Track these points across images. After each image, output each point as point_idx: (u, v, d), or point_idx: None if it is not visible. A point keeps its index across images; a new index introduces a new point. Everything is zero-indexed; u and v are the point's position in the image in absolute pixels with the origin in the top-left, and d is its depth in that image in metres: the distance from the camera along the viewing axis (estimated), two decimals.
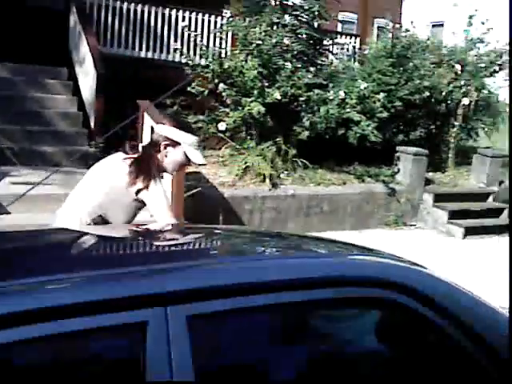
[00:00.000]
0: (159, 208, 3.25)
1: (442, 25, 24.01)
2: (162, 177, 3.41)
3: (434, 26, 23.78)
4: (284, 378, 1.94)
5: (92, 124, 9.24)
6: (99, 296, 1.64)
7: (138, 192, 3.22)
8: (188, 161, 3.40)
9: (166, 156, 3.35)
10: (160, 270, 1.87)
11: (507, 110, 12.68)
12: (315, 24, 11.12)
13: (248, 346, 1.92)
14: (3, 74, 9.73)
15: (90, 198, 3.31)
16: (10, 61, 9.71)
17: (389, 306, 2.03)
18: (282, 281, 1.89)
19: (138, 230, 2.90)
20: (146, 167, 3.26)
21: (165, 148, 3.34)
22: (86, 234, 2.68)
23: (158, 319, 1.63)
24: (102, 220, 3.27)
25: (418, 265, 2.32)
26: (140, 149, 3.41)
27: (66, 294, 1.64)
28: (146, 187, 3.21)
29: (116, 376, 1.67)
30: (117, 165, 3.32)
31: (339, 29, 21.54)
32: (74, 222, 3.25)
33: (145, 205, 3.29)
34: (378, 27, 20.66)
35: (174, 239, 2.76)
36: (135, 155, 3.34)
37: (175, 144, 3.34)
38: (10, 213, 6.96)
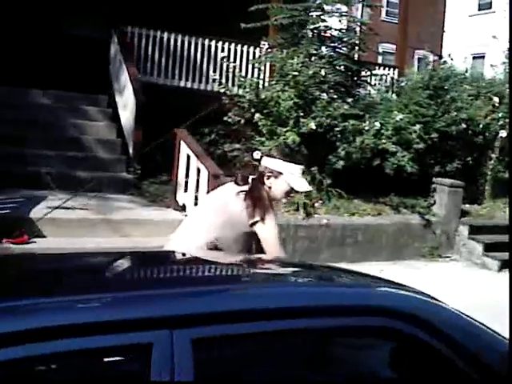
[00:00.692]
0: (272, 241, 3.44)
1: (483, 57, 23.90)
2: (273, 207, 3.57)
3: (474, 57, 23.73)
4: None
5: (130, 151, 9.40)
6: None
7: (253, 224, 3.38)
8: (292, 188, 3.58)
9: (270, 187, 3.53)
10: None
11: None
12: (354, 55, 11.23)
13: (251, 370, 1.97)
14: (45, 101, 10.02)
15: (208, 225, 3.46)
16: (52, 88, 9.97)
17: (394, 337, 2.05)
18: (280, 308, 1.93)
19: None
20: (260, 199, 3.45)
21: (268, 178, 3.53)
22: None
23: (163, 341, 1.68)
24: (215, 248, 3.40)
25: (429, 296, 2.32)
26: (250, 180, 3.58)
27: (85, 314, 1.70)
28: (262, 220, 3.38)
29: None
30: (234, 196, 3.49)
31: (380, 60, 21.66)
32: (192, 247, 3.39)
33: (256, 236, 3.43)
34: (419, 59, 20.68)
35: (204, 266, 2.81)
36: (246, 186, 3.52)
37: (278, 174, 3.53)
38: (45, 236, 7.11)
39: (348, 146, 9.72)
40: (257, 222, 3.36)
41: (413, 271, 9.47)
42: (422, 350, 2.03)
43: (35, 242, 6.85)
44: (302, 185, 3.61)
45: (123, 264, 2.60)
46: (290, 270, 2.76)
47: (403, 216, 10.34)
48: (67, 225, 7.28)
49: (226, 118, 9.61)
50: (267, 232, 3.39)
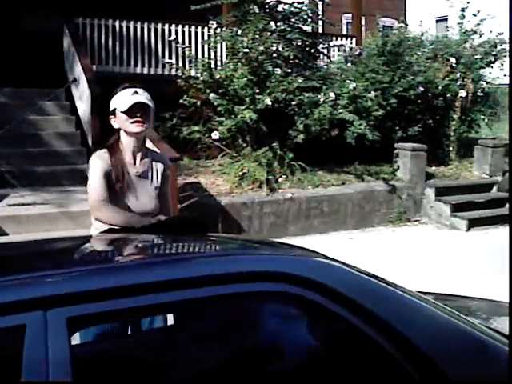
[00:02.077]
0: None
1: (447, 19, 23.96)
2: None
3: (438, 21, 23.77)
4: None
5: (90, 142, 9.40)
6: None
7: None
8: (127, 115, 3.34)
9: (118, 129, 3.44)
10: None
11: (506, 99, 12.65)
12: (316, 29, 11.24)
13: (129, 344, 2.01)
14: (1, 99, 9.95)
15: None
16: (6, 85, 9.93)
17: (291, 301, 2.05)
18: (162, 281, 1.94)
19: None
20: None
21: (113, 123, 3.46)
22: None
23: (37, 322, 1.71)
24: None
25: (328, 258, 2.31)
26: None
27: None
28: None
29: None
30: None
31: (345, 31, 21.65)
32: None
33: None
34: (384, 27, 20.65)
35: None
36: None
37: (114, 114, 3.42)
38: (7, 234, 7.13)
39: (305, 119, 9.75)
40: None
41: (382, 237, 9.58)
42: (320, 314, 2.03)
43: None
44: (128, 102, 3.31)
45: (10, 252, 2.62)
46: (171, 241, 2.74)
47: (368, 184, 10.41)
48: (29, 221, 7.30)
49: (181, 101, 9.60)
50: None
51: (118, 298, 1.83)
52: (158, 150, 7.76)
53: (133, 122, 3.30)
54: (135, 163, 3.40)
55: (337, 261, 2.24)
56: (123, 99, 3.29)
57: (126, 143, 3.39)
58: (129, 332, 2.16)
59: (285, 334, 2.30)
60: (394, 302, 2.10)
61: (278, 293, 1.99)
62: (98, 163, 3.30)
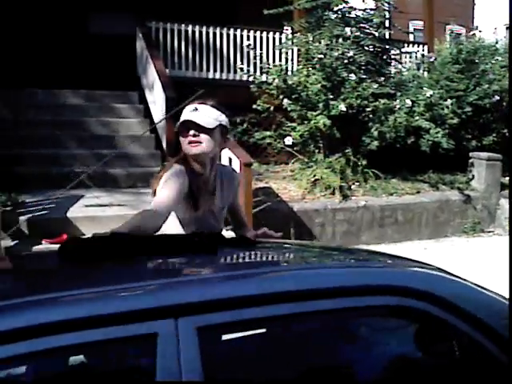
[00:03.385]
0: None
1: None
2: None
3: (507, 28, 23.26)
4: None
5: (164, 146, 9.44)
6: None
7: None
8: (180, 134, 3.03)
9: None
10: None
11: None
12: (384, 35, 11.12)
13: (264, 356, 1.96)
14: (77, 101, 10.13)
15: None
16: (82, 88, 10.08)
17: (410, 315, 2.03)
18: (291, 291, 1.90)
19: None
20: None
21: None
22: None
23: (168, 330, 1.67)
24: None
25: (445, 272, 2.27)
26: None
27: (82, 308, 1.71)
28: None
29: None
30: None
31: (412, 38, 21.36)
32: None
33: None
34: (451, 33, 20.33)
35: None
36: None
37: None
38: (84, 234, 7.18)
39: (380, 126, 9.64)
40: None
41: (456, 248, 9.37)
42: (438, 327, 2.02)
43: None
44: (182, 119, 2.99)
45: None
46: (302, 253, 2.72)
47: (442, 193, 10.24)
48: (105, 222, 7.34)
49: (255, 106, 9.57)
50: None
51: (248, 308, 1.79)
52: (233, 156, 7.82)
53: (189, 143, 2.95)
54: (206, 183, 3.11)
55: (451, 274, 2.23)
56: (182, 115, 2.98)
57: (191, 163, 3.05)
58: (258, 342, 2.10)
59: (406, 349, 2.26)
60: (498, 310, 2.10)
61: (397, 307, 1.97)
62: (178, 182, 2.93)
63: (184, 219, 3.05)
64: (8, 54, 10.02)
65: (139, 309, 1.69)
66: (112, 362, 1.76)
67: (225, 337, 1.97)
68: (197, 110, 2.95)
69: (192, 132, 2.92)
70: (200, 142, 2.93)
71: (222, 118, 3.02)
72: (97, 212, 7.42)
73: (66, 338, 1.59)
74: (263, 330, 2.02)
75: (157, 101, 9.61)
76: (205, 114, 2.93)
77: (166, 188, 2.89)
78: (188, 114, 2.96)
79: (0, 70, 8.95)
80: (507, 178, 11.12)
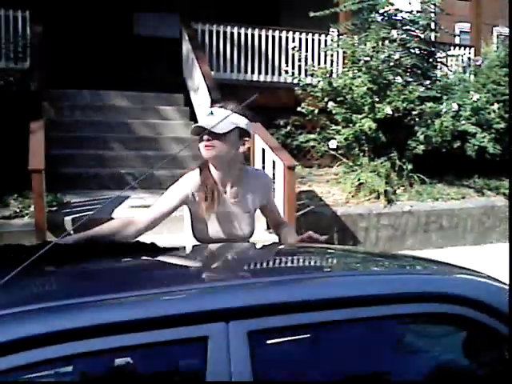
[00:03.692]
0: None
1: None
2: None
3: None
4: None
5: None
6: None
7: None
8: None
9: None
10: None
11: None
12: (429, 37, 11.01)
13: (315, 362, 1.93)
14: (122, 102, 10.24)
15: None
16: (127, 89, 10.17)
17: (460, 323, 2.01)
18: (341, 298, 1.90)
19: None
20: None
21: None
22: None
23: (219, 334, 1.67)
24: None
25: (491, 278, 2.23)
26: None
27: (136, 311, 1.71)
28: None
29: None
30: None
31: (457, 40, 21.08)
32: None
33: None
34: (498, 35, 20.04)
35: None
36: None
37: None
38: None
39: (426, 130, 9.53)
40: None
41: (500, 254, 9.19)
42: (487, 335, 1.99)
43: None
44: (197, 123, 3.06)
45: (180, 260, 2.59)
46: (347, 258, 2.70)
47: (488, 198, 10.08)
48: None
49: (299, 109, 9.53)
50: None
51: (298, 313, 1.78)
52: (277, 159, 7.80)
53: (204, 146, 2.99)
54: (225, 186, 3.13)
55: (499, 281, 2.19)
56: (199, 119, 3.08)
57: (210, 165, 3.11)
58: (306, 347, 2.08)
59: (454, 357, 2.20)
60: None
61: (446, 314, 1.96)
62: (180, 189, 3.05)
63: (201, 220, 3.09)
64: (55, 55, 10.14)
65: (190, 312, 1.70)
66: (162, 365, 1.76)
67: (272, 341, 1.95)
68: (212, 114, 3.00)
69: (205, 137, 2.95)
70: (213, 146, 2.97)
71: (240, 121, 3.04)
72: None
73: (117, 339, 1.61)
74: (311, 335, 2.00)
75: (202, 103, 9.64)
76: (220, 118, 2.93)
77: (161, 198, 3.05)
78: (203, 118, 3.06)
79: (48, 71, 9.03)
80: None
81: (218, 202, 3.07)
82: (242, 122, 3.05)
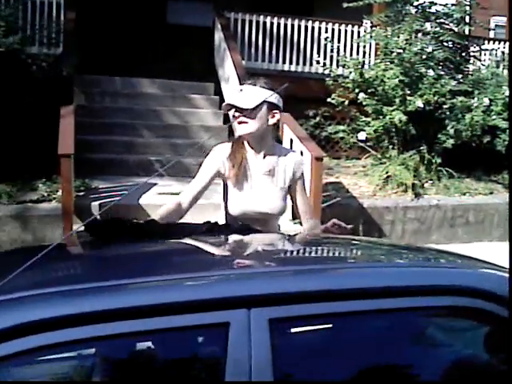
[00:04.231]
0: None
1: None
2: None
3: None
4: None
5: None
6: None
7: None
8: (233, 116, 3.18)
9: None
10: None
11: None
12: (463, 30, 10.90)
13: (337, 351, 1.95)
14: (153, 90, 10.30)
15: None
16: (158, 77, 10.23)
17: (478, 316, 2.02)
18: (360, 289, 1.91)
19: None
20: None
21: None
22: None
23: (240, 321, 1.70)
24: None
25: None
26: None
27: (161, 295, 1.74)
28: None
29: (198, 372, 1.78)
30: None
31: (492, 34, 20.78)
32: None
33: None
34: None
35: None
36: None
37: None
38: None
39: (457, 124, 9.45)
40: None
41: None
42: (507, 330, 1.98)
43: None
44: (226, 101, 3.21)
45: (204, 246, 2.62)
46: (371, 250, 2.71)
47: None
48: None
49: (329, 100, 9.50)
50: None
51: (319, 302, 1.81)
52: (305, 149, 7.80)
53: (238, 123, 3.09)
54: (257, 157, 3.17)
55: None
56: (228, 97, 3.14)
57: (245, 141, 3.19)
58: (325, 337, 2.10)
59: (473, 351, 2.22)
60: None
61: (466, 308, 1.98)
62: (212, 161, 3.15)
63: (233, 192, 3.16)
64: (87, 42, 10.22)
65: (212, 298, 1.73)
66: (183, 350, 1.80)
67: (294, 329, 1.98)
68: (241, 91, 3.10)
69: (237, 114, 3.07)
70: (246, 122, 3.06)
71: (268, 95, 3.06)
72: (167, 200, 7.51)
73: (140, 323, 1.65)
74: (333, 325, 2.02)
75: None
76: (248, 94, 3.07)
77: (197, 175, 3.18)
78: (232, 95, 3.17)
79: (80, 57, 9.12)
80: None
81: (250, 174, 3.15)
82: (271, 96, 3.08)
